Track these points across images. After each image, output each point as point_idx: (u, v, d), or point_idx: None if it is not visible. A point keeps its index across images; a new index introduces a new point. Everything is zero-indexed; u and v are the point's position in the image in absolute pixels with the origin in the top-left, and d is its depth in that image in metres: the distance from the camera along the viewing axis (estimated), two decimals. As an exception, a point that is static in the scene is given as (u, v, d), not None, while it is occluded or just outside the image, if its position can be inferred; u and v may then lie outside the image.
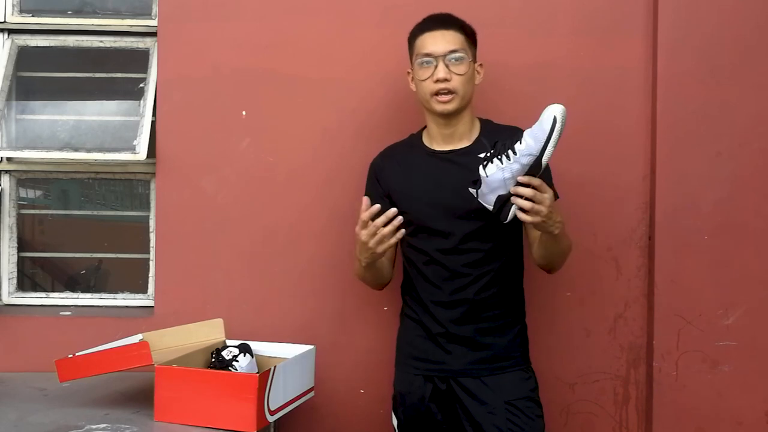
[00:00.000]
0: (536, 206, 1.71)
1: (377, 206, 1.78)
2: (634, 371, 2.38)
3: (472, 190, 1.81)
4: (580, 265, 2.35)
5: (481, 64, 2.01)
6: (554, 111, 1.67)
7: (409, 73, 2.03)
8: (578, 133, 2.35)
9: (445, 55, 1.91)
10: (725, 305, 2.32)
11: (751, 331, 2.31)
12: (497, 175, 1.73)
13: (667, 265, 2.32)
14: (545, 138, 1.67)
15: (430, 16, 2.00)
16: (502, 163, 1.71)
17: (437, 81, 1.91)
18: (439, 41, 1.92)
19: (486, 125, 2.05)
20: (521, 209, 1.72)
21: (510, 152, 1.70)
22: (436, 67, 1.91)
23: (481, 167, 1.75)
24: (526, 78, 2.36)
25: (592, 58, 2.37)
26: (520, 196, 1.71)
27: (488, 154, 1.75)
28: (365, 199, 1.81)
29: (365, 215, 1.79)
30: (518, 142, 1.70)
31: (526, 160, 1.69)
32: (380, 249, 1.82)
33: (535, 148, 1.68)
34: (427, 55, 1.93)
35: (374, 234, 1.79)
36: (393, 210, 1.78)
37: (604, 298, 2.38)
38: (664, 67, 2.33)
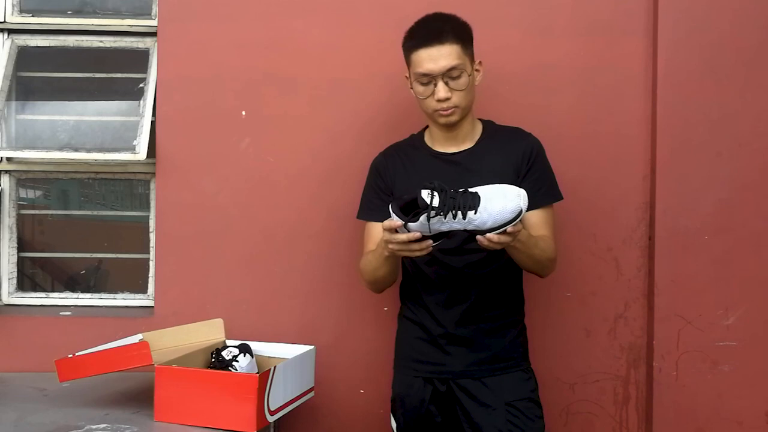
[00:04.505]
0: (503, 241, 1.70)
1: (398, 222, 1.68)
2: (634, 371, 2.38)
3: (395, 217, 1.68)
4: (580, 265, 2.35)
5: (480, 62, 2.00)
6: (521, 201, 1.64)
7: (407, 77, 2.01)
8: (578, 134, 2.37)
9: (443, 74, 1.89)
10: (725, 305, 2.32)
11: (751, 331, 2.31)
12: (436, 225, 1.67)
13: (667, 265, 2.32)
14: (502, 223, 1.64)
15: (423, 25, 1.95)
16: (444, 218, 1.65)
17: (439, 100, 1.90)
18: (436, 58, 1.88)
19: (488, 126, 2.05)
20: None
21: (460, 214, 1.64)
22: (435, 85, 1.90)
23: (424, 215, 1.65)
24: (527, 79, 2.36)
25: (592, 59, 2.37)
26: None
27: (436, 203, 1.64)
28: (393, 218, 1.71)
29: (386, 224, 1.70)
30: (473, 210, 1.64)
31: (471, 228, 1.66)
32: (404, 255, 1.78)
33: (487, 226, 1.65)
34: (425, 75, 1.90)
35: (404, 247, 1.73)
36: (428, 242, 1.70)
37: (604, 298, 2.38)
38: (664, 68, 2.33)
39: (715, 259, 2.32)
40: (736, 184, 2.32)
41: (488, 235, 1.67)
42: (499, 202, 1.65)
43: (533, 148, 1.99)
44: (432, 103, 1.92)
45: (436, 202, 1.65)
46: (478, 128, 2.04)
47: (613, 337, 2.38)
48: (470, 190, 1.68)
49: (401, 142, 2.11)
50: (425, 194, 1.66)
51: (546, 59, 2.37)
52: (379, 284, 2.03)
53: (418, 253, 1.72)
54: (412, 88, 1.99)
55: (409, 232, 1.69)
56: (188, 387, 1.81)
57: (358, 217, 2.09)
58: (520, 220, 1.67)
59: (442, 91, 1.89)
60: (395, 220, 1.68)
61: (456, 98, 1.90)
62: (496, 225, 1.65)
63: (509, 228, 1.67)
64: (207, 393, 1.79)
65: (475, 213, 1.64)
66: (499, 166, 1.96)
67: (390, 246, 1.74)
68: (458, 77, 1.90)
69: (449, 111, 1.91)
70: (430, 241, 1.71)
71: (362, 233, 2.08)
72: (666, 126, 2.33)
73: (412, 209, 1.70)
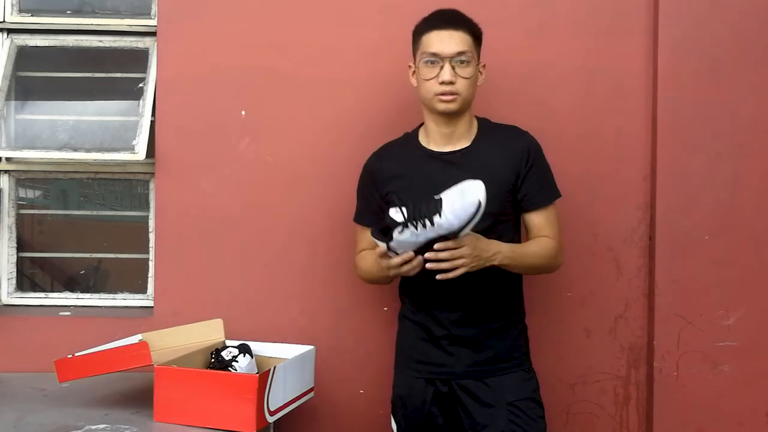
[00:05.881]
0: (456, 262, 1.75)
1: (383, 246, 1.78)
2: (635, 371, 2.38)
3: (379, 242, 1.78)
4: (580, 265, 2.35)
5: (484, 65, 2.00)
6: (478, 194, 1.69)
7: (410, 66, 2.01)
8: (579, 133, 2.37)
9: (452, 57, 1.90)
10: (725, 305, 2.32)
11: (752, 331, 2.31)
12: (411, 239, 1.74)
13: (668, 265, 2.32)
14: (467, 220, 1.70)
15: (439, 13, 1.98)
16: (417, 230, 1.72)
17: (442, 83, 1.90)
18: (447, 41, 1.90)
19: (484, 124, 2.04)
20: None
21: (428, 222, 1.70)
22: (442, 68, 1.90)
23: (396, 231, 1.73)
24: (527, 78, 2.36)
25: (592, 58, 2.37)
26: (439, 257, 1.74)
27: (403, 217, 1.73)
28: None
29: (378, 252, 1.80)
30: (438, 214, 1.69)
31: (444, 232, 1.72)
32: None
33: (456, 226, 1.70)
34: (434, 54, 1.91)
35: (399, 271, 1.81)
36: (418, 259, 1.77)
37: (605, 298, 2.38)
38: (664, 67, 2.33)
39: (716, 259, 2.32)
40: (736, 184, 2.32)
41: (427, 255, 1.73)
42: (458, 200, 1.70)
43: (531, 148, 1.99)
44: (435, 86, 1.91)
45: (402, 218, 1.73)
46: (474, 126, 2.03)
47: (614, 338, 2.38)
48: (434, 197, 1.73)
49: (393, 142, 2.09)
50: (393, 212, 1.74)
51: (546, 58, 2.37)
52: (376, 283, 2.12)
53: (413, 273, 1.79)
54: (414, 74, 1.99)
55: (396, 253, 1.77)
56: (188, 387, 1.80)
57: (354, 221, 2.11)
58: (481, 213, 1.70)
59: (447, 73, 1.89)
60: (380, 245, 1.77)
61: (460, 85, 1.91)
62: (464, 223, 1.70)
63: (437, 246, 1.72)
64: (207, 393, 1.79)
65: (441, 216, 1.69)
66: (496, 165, 1.95)
67: (391, 272, 1.82)
68: (466, 65, 1.91)
69: (451, 97, 1.91)
70: (420, 258, 1.76)
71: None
72: (666, 126, 2.33)
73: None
